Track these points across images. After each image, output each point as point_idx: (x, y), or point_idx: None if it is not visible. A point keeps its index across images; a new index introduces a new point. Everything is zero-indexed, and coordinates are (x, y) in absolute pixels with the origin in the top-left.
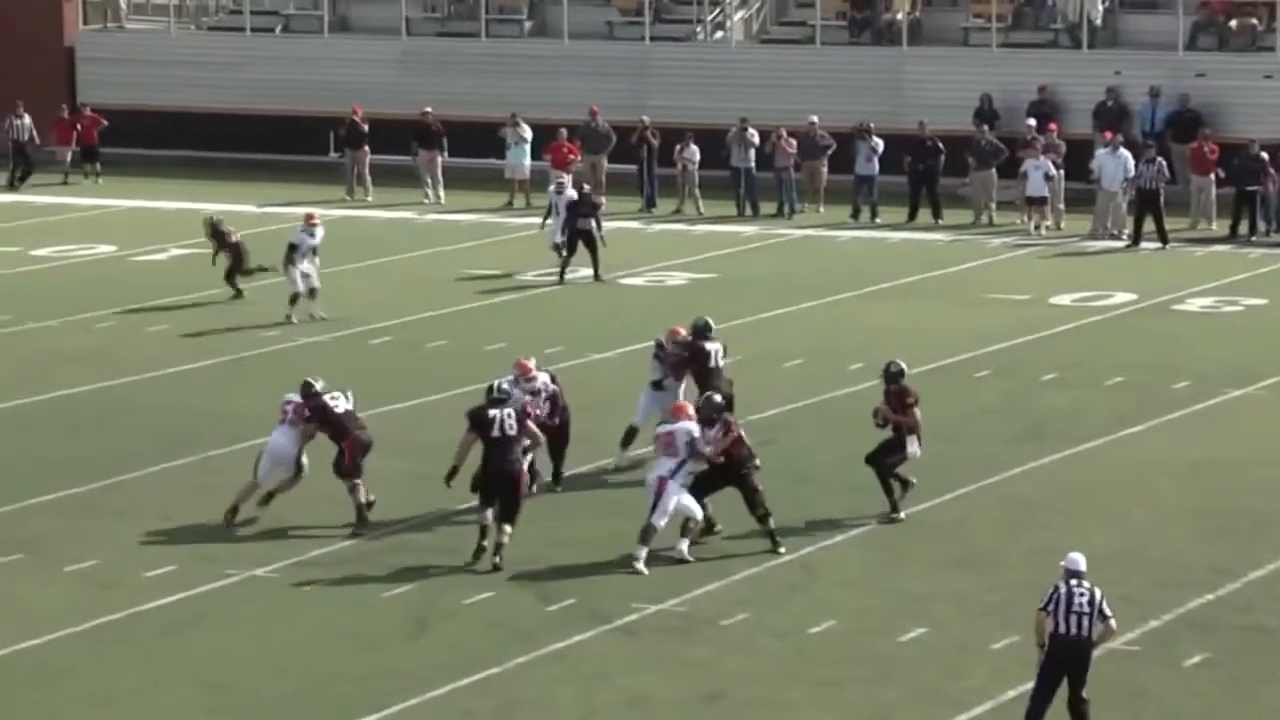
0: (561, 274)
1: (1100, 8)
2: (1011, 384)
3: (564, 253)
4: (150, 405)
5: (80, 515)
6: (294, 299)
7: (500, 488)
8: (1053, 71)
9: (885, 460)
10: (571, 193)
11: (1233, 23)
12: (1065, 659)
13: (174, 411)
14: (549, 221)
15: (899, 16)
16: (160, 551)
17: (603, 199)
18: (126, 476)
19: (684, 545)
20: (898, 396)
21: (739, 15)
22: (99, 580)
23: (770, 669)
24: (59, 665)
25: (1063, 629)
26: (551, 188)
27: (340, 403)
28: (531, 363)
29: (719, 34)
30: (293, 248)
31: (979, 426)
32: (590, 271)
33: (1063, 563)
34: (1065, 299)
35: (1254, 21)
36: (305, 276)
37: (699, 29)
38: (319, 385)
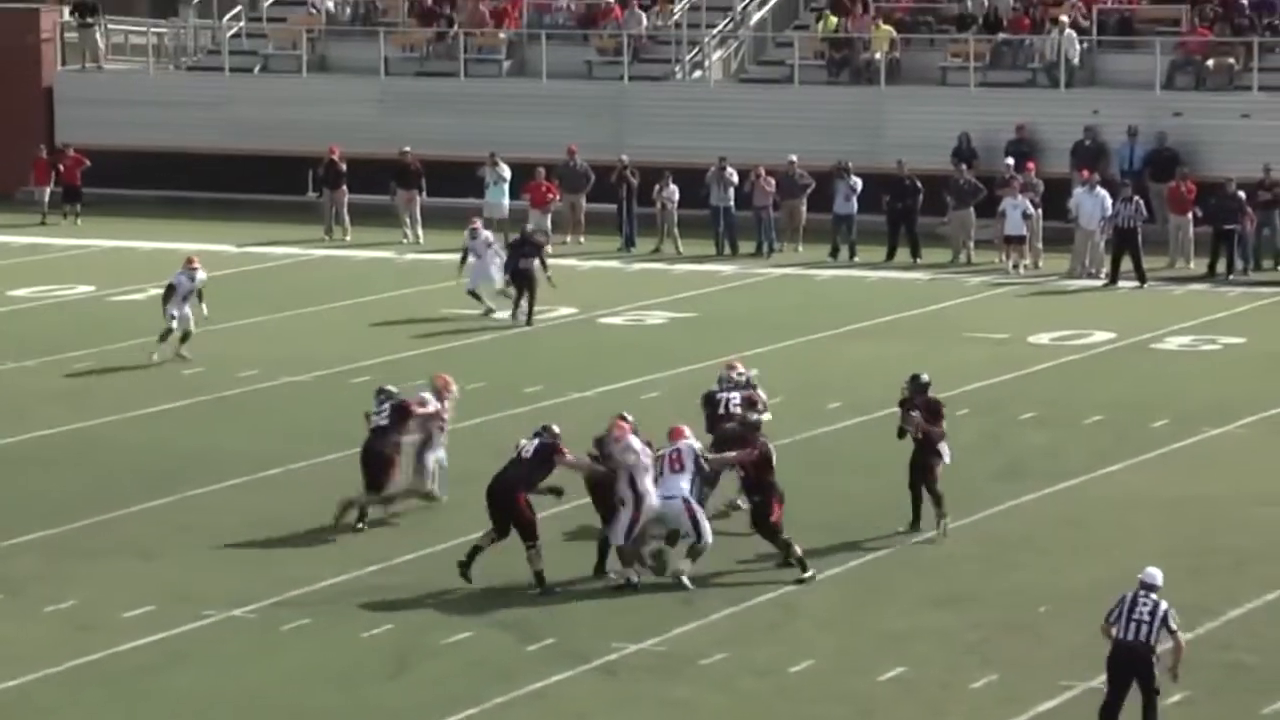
0: (514, 312)
1: (1078, 47)
2: (990, 422)
3: (510, 293)
4: (129, 444)
5: (60, 555)
6: (164, 335)
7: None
8: (1031, 110)
9: (929, 479)
10: (487, 235)
11: (1210, 62)
12: (1122, 663)
13: (153, 450)
14: (465, 265)
15: (877, 56)
16: (139, 591)
17: (546, 239)
18: (106, 516)
19: (686, 566)
20: (928, 407)
21: (717, 55)
22: (78, 621)
23: (750, 709)
24: (38, 705)
25: (1121, 634)
26: (466, 232)
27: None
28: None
29: (697, 73)
30: (170, 288)
31: (958, 464)
32: (569, 310)
33: (1140, 575)
34: (1044, 338)
35: (1231, 60)
36: (180, 319)
37: (677, 68)
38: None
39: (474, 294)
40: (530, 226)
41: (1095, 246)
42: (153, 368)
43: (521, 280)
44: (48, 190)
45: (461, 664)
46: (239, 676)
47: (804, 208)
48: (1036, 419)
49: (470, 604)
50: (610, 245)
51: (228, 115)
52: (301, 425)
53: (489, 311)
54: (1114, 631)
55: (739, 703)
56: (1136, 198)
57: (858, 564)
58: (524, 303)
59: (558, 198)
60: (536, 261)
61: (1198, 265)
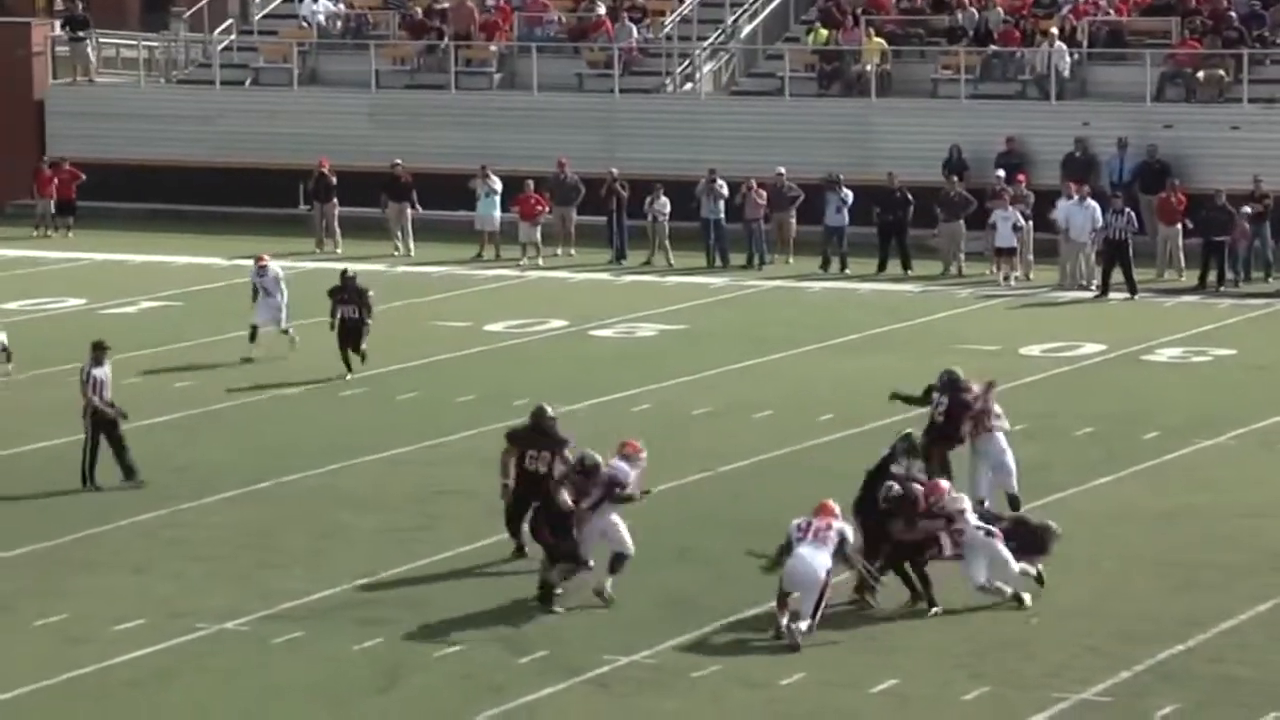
0: (347, 371)
1: (1068, 59)
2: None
3: (251, 340)
4: None
5: (51, 569)
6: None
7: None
8: (1021, 122)
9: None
10: (276, 270)
11: (1200, 74)
12: None
13: (144, 463)
14: (256, 301)
15: (868, 68)
16: (130, 605)
17: (370, 293)
18: (97, 530)
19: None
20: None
21: (708, 67)
22: (69, 635)
23: None
24: None
25: None
26: (253, 269)
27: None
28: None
29: (688, 86)
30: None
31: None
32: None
33: None
34: (1034, 349)
35: (1221, 73)
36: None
37: (668, 81)
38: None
39: (254, 330)
40: (352, 271)
41: (1086, 258)
42: (140, 380)
43: (347, 328)
44: (51, 202)
45: (452, 677)
46: (230, 691)
47: (793, 220)
48: (1026, 431)
49: (461, 617)
50: (601, 258)
51: (219, 128)
52: (291, 438)
53: (247, 359)
54: None
55: (731, 715)
56: (1127, 209)
57: (849, 575)
58: (351, 355)
59: (548, 210)
60: (357, 309)
61: (1188, 277)
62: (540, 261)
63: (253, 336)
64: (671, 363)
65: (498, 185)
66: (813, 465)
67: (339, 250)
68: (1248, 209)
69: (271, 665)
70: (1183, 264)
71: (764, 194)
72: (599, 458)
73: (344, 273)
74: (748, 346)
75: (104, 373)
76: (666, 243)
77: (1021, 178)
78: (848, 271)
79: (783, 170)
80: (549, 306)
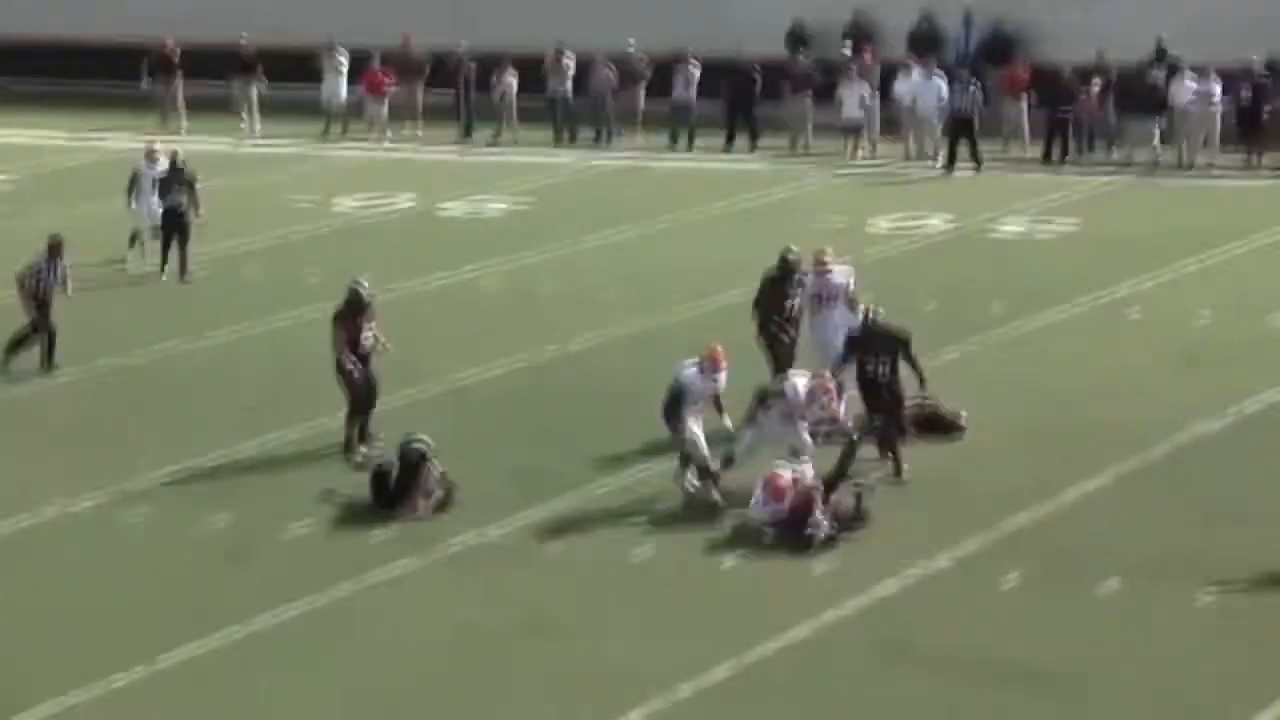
0: (162, 262)
1: None
2: None
3: (150, 238)
4: None
5: None
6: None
7: None
8: None
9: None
10: (165, 163)
11: None
12: None
13: None
14: (134, 199)
15: None
16: None
17: (199, 185)
18: None
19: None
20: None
21: None
22: None
23: (594, 596)
24: None
25: None
26: (143, 159)
27: None
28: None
29: None
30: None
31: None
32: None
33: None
34: (881, 224)
35: None
36: (151, 214)
37: None
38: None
39: (135, 235)
40: (182, 157)
41: (931, 131)
42: None
43: (172, 222)
44: None
45: (304, 555)
46: (75, 571)
47: (643, 95)
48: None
49: (312, 495)
50: (448, 135)
51: (60, 3)
52: (136, 317)
53: (125, 261)
54: None
55: (583, 590)
56: (973, 83)
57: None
58: (173, 252)
59: (395, 85)
60: (184, 199)
61: (1034, 151)
62: (388, 138)
63: (134, 241)
64: (520, 240)
65: (344, 61)
66: (663, 342)
67: (184, 127)
68: (1094, 82)
69: (115, 545)
70: (1027, 138)
71: (612, 67)
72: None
73: (173, 158)
74: (596, 224)
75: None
76: (514, 119)
77: (868, 51)
78: (696, 147)
79: (633, 45)
80: (397, 184)
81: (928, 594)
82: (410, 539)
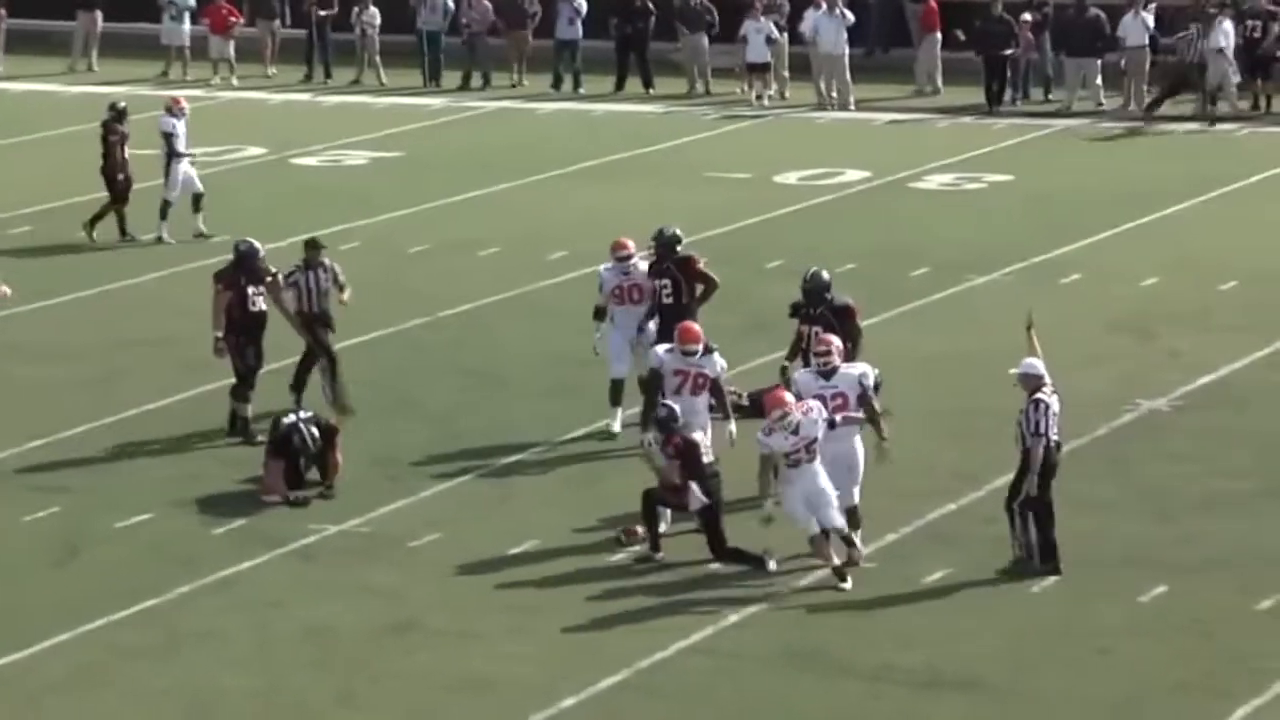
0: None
1: None
2: (732, 273)
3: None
4: None
5: None
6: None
7: None
8: None
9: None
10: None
11: None
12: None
13: None
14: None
15: None
16: None
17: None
18: None
19: None
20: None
21: None
22: None
23: (463, 595)
24: None
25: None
26: (164, 111)
27: None
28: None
29: None
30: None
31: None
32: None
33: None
34: (791, 177)
35: None
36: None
37: None
38: None
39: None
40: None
41: (841, 72)
42: None
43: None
44: None
45: (139, 550)
46: None
47: (529, 36)
48: (783, 268)
49: (148, 483)
50: (301, 76)
51: None
52: None
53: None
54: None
55: (448, 588)
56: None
57: (583, 433)
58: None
59: (241, 22)
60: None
61: (951, 93)
62: (234, 80)
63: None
64: (384, 195)
65: None
66: (543, 307)
67: (1, 69)
68: (1026, 17)
69: None
70: (939, 77)
71: (488, 2)
72: None
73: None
74: (470, 176)
75: None
76: (377, 59)
77: None
78: (582, 90)
79: None
80: (245, 131)
81: (847, 593)
82: (257, 533)
